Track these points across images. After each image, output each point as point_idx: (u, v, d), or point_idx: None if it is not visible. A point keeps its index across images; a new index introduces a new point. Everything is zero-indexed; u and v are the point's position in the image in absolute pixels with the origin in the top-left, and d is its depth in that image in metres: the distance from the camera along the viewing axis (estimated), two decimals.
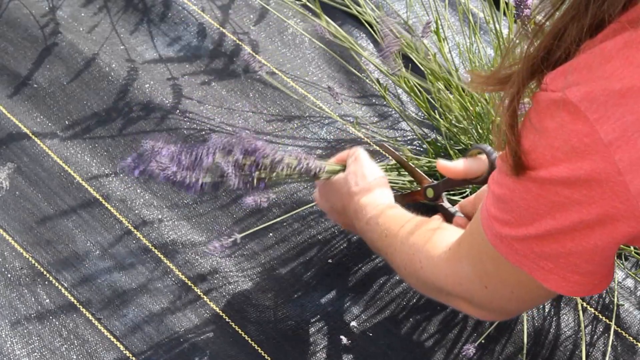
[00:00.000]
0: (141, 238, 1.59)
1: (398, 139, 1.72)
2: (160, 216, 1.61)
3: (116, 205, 1.63)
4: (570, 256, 0.98)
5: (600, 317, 1.50)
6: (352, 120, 1.74)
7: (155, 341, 1.47)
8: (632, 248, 1.55)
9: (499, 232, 1.02)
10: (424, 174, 1.49)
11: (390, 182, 1.45)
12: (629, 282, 1.54)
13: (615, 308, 1.50)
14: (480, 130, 1.61)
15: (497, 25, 1.59)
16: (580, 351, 1.44)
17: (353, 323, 1.50)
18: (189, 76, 1.81)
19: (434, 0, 1.70)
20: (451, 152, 1.62)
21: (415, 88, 1.67)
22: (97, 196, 1.64)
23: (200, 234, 1.60)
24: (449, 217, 1.45)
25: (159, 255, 1.57)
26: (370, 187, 1.37)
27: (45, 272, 1.55)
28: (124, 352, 1.46)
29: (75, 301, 1.52)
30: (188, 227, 1.61)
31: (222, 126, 1.73)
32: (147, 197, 1.64)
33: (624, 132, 0.88)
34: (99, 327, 1.49)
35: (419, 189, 1.49)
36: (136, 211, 1.62)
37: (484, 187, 1.43)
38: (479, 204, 1.42)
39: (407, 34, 1.75)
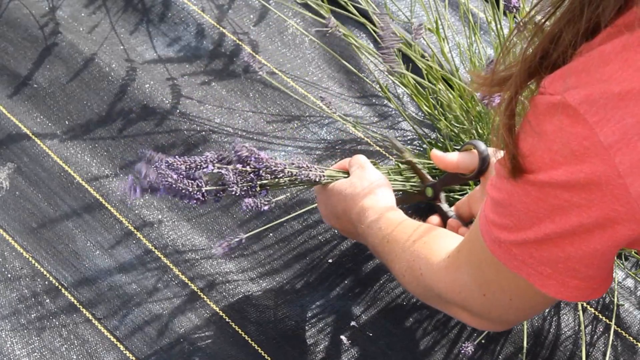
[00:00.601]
0: (141, 238, 1.59)
1: (398, 138, 1.72)
2: (160, 217, 1.61)
3: (116, 205, 1.63)
4: (569, 261, 0.98)
5: (600, 317, 1.50)
6: (352, 120, 1.74)
7: (155, 341, 1.47)
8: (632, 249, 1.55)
9: (498, 237, 1.02)
10: (427, 175, 1.49)
11: (393, 185, 1.45)
12: (629, 282, 1.54)
13: (615, 308, 1.50)
14: (480, 130, 1.61)
15: (498, 25, 1.59)
16: (580, 351, 1.44)
17: (353, 323, 1.50)
18: (188, 76, 1.81)
19: (434, 0, 1.70)
20: (451, 151, 1.62)
21: (416, 87, 1.67)
22: (97, 196, 1.64)
23: (201, 234, 1.60)
24: (445, 218, 1.45)
25: (159, 256, 1.57)
26: (372, 189, 1.37)
27: (45, 272, 1.55)
28: (124, 352, 1.46)
29: (75, 301, 1.52)
30: (188, 227, 1.61)
31: (222, 126, 1.73)
32: (147, 197, 1.64)
33: (624, 134, 0.88)
34: (99, 327, 1.49)
35: (420, 189, 1.49)
36: (136, 211, 1.62)
37: (477, 187, 1.44)
38: (473, 204, 1.43)
39: (407, 34, 1.75)
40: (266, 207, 1.35)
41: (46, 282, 1.54)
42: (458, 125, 1.63)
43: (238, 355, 1.45)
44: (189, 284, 1.54)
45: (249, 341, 1.48)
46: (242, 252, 1.58)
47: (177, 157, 1.33)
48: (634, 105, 0.87)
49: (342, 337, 1.48)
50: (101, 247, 1.58)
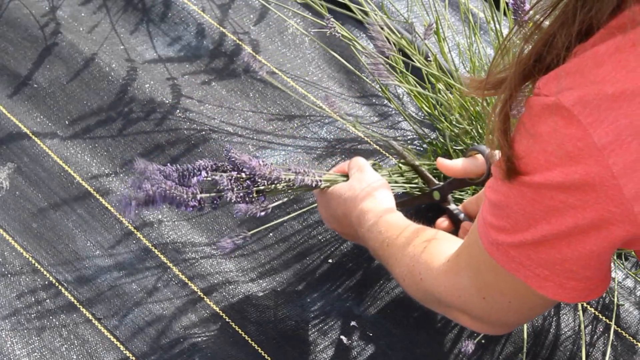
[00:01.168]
0: (141, 238, 1.59)
1: (398, 138, 1.72)
2: (160, 216, 1.61)
3: (116, 205, 1.63)
4: (566, 262, 0.98)
5: (600, 317, 1.50)
6: (352, 120, 1.74)
7: (155, 341, 1.47)
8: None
9: (495, 239, 1.02)
10: (431, 176, 1.49)
11: (395, 187, 1.45)
12: (629, 282, 1.53)
13: (615, 308, 1.49)
14: (480, 131, 1.61)
15: (497, 26, 1.58)
16: (580, 351, 1.44)
17: (353, 323, 1.50)
18: (189, 76, 1.81)
19: (434, 0, 1.70)
20: (452, 152, 1.62)
21: (416, 87, 1.67)
22: (97, 196, 1.64)
23: (201, 234, 1.60)
24: (455, 220, 1.45)
25: (159, 255, 1.57)
26: (371, 192, 1.37)
27: (45, 272, 1.55)
28: (124, 352, 1.46)
29: (75, 301, 1.52)
30: (188, 227, 1.61)
31: (222, 126, 1.73)
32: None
33: (618, 135, 0.88)
34: (99, 327, 1.49)
35: (427, 191, 1.49)
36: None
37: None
38: (482, 203, 1.43)
39: (407, 34, 1.75)
40: (262, 213, 1.35)
41: (46, 282, 1.54)
42: (458, 125, 1.63)
43: (238, 355, 1.46)
44: (189, 283, 1.54)
45: (249, 341, 1.48)
46: (242, 252, 1.58)
47: (169, 165, 1.34)
48: (628, 107, 0.87)
49: (342, 337, 1.48)
50: (101, 247, 1.58)
